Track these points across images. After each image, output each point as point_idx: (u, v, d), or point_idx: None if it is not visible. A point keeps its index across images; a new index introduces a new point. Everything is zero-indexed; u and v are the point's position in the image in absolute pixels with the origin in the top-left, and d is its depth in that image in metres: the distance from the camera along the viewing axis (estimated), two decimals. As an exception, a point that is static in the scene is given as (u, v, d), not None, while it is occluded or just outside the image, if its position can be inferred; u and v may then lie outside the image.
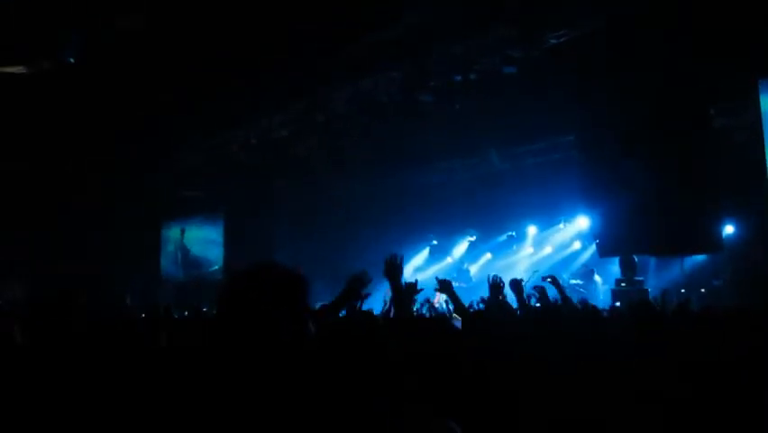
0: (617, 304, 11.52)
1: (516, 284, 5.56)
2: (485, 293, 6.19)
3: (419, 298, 6.13)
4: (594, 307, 6.15)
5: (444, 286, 5.44)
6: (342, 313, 4.17)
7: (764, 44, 10.15)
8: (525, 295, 5.65)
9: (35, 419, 2.85)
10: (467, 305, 7.02)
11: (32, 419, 2.85)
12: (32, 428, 2.83)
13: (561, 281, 6.23)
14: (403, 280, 4.18)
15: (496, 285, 5.44)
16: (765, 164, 11.01)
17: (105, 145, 16.14)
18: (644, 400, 3.26)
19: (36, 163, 16.11)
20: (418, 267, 18.72)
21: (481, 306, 6.42)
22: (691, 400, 3.28)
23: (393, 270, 4.08)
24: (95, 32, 11.99)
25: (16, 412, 2.86)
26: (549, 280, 5.87)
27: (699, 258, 12.73)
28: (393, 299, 4.21)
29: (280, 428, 1.77)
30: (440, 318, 5.15)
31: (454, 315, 6.33)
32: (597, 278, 14.70)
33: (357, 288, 3.97)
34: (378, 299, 7.88)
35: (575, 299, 9.20)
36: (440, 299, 15.38)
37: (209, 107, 14.82)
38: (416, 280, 4.81)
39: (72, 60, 12.27)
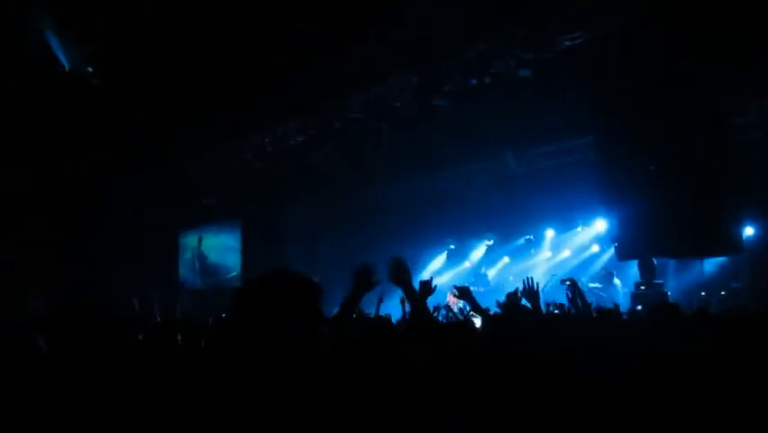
0: (639, 308, 11.44)
1: (532, 293, 5.49)
2: (503, 297, 6.16)
3: (435, 300, 6.07)
4: (614, 310, 6.12)
5: (463, 292, 5.39)
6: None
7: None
8: (541, 301, 5.61)
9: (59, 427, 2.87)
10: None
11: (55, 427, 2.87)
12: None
13: (579, 285, 6.18)
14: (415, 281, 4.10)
15: (532, 291, 5.37)
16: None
17: (122, 154, 16.26)
18: (665, 404, 3.23)
19: (56, 173, 16.24)
20: (436, 271, 18.69)
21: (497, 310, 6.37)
22: (712, 404, 3.24)
23: (399, 274, 4.01)
24: (110, 41, 12.11)
25: (39, 420, 2.88)
26: (568, 283, 5.82)
27: (719, 260, 12.62)
28: (411, 305, 4.17)
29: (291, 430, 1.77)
30: (459, 324, 5.15)
31: (472, 313, 6.28)
32: (616, 281, 14.60)
33: (366, 279, 3.89)
34: (395, 304, 7.86)
35: (594, 302, 9.16)
36: (457, 302, 15.38)
37: (225, 114, 14.89)
38: (431, 277, 4.77)
39: (91, 70, 12.40)
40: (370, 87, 13.70)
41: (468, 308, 6.89)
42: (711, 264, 12.77)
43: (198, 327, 5.09)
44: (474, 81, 12.51)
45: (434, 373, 3.12)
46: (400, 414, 2.13)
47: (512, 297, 5.67)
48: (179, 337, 4.23)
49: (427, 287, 4.58)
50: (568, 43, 11.31)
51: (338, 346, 2.44)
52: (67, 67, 12.14)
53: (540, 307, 5.41)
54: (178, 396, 2.15)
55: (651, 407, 3.23)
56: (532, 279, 5.38)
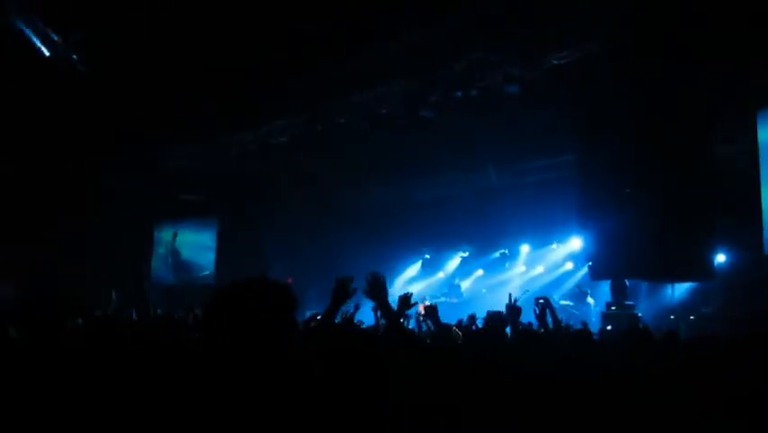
0: (609, 327, 11.55)
1: (514, 309, 5.54)
2: (475, 309, 6.21)
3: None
4: (585, 330, 6.17)
5: (429, 312, 5.40)
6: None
7: (764, 75, 10.23)
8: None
9: (31, 417, 2.84)
10: (456, 322, 7.04)
11: (27, 417, 2.84)
12: (29, 427, 2.82)
13: (552, 302, 6.22)
14: (390, 298, 4.16)
15: (515, 308, 5.43)
16: (760, 193, 11.08)
17: (99, 145, 16.11)
18: (633, 424, 3.27)
19: (29, 164, 16.05)
20: (410, 279, 18.74)
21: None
22: (680, 426, 3.28)
23: (375, 289, 4.06)
24: (93, 32, 12.02)
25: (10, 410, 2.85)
26: (541, 301, 5.85)
27: (690, 285, 12.77)
28: (384, 317, 4.20)
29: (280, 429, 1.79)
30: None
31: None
32: (590, 300, 14.72)
33: (343, 292, 3.99)
34: (369, 311, 7.87)
35: (565, 320, 9.23)
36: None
37: (210, 110, 14.82)
38: (411, 294, 4.81)
39: (75, 57, 12.30)
40: (356, 92, 13.70)
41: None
42: (682, 289, 12.91)
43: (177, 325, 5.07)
44: (460, 94, 12.57)
45: (412, 380, 3.14)
46: (383, 417, 2.15)
47: (495, 315, 5.70)
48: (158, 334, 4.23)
49: (406, 301, 4.63)
50: (555, 62, 11.42)
51: (320, 352, 2.46)
52: (47, 54, 12.02)
53: (517, 324, 5.44)
54: (159, 393, 2.14)
55: (618, 426, 3.27)
56: (512, 297, 5.47)
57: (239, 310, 1.96)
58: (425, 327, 9.66)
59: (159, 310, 8.93)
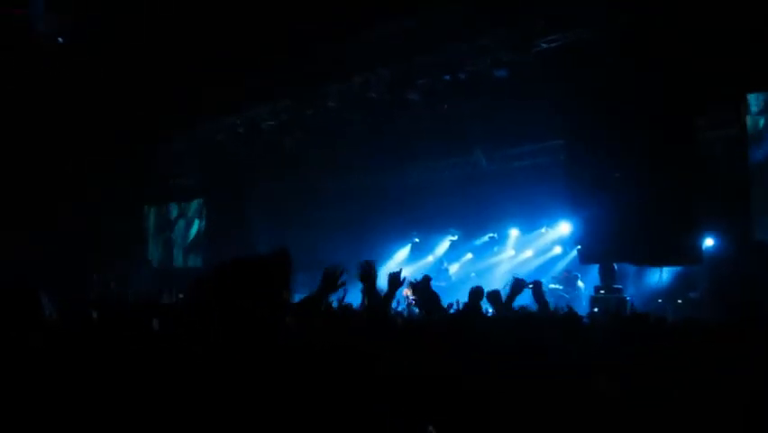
0: (596, 310, 11.62)
1: (494, 296, 5.58)
2: (464, 293, 6.22)
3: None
4: (572, 313, 6.18)
5: (418, 287, 5.41)
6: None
7: (753, 58, 10.24)
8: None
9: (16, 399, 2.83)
10: (446, 305, 7.05)
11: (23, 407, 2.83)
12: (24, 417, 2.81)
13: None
14: (378, 286, 4.20)
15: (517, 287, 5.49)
16: (748, 178, 11.13)
17: (90, 129, 16.02)
18: (622, 409, 3.28)
19: (20, 148, 15.93)
20: (399, 263, 18.74)
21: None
22: (670, 411, 3.30)
23: (368, 275, 4.11)
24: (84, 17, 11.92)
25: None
26: (531, 287, 5.84)
27: (678, 269, 12.82)
28: (367, 303, 4.24)
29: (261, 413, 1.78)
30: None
31: None
32: (580, 283, 14.76)
33: (333, 280, 4.00)
34: (357, 293, 7.85)
35: (554, 303, 9.26)
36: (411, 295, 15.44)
37: (198, 94, 14.75)
38: (400, 270, 4.83)
39: (61, 40, 12.19)
40: (344, 76, 13.66)
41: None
42: (670, 273, 12.97)
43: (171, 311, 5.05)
44: (448, 77, 12.54)
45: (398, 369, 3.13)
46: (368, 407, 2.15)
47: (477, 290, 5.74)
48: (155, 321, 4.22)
49: (395, 279, 4.65)
50: (544, 45, 11.40)
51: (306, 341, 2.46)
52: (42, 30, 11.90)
53: (510, 306, 5.47)
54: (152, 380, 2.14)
55: (607, 412, 3.28)
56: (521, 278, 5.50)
57: (225, 291, 1.94)
58: (416, 310, 9.68)
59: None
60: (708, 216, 11.30)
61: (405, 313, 9.44)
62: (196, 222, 20.45)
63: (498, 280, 14.67)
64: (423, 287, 5.37)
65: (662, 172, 10.74)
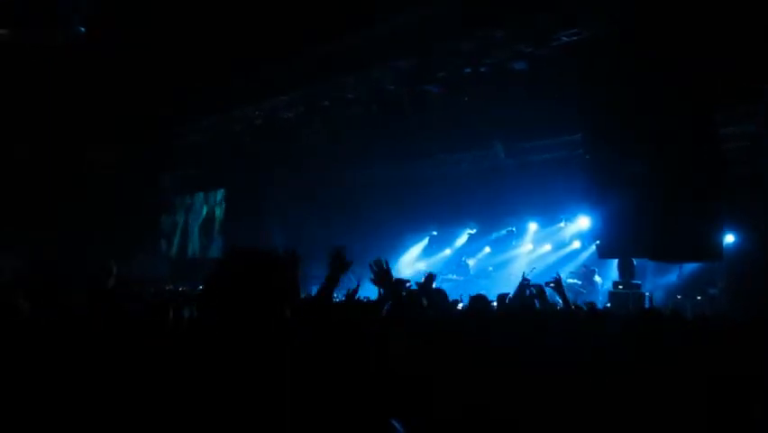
0: (608, 305, 11.58)
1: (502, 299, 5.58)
2: (482, 287, 6.21)
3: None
4: (593, 308, 6.16)
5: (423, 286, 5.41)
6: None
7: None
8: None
9: (39, 386, 2.87)
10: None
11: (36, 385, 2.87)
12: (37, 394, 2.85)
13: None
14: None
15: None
16: (769, 174, 11.03)
17: (108, 121, 16.13)
18: (641, 405, 3.27)
19: (38, 137, 16.08)
20: (417, 256, 18.75)
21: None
22: (681, 407, 3.28)
23: (381, 275, 4.10)
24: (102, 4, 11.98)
25: (21, 382, 2.88)
26: (552, 285, 5.77)
27: (697, 265, 12.73)
28: (391, 300, 4.23)
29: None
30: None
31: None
32: (597, 278, 14.69)
33: (340, 261, 3.98)
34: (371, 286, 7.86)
35: (572, 299, 9.22)
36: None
37: (217, 85, 14.81)
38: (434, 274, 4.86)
39: (83, 30, 12.25)
40: (363, 67, 13.63)
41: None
42: (689, 269, 12.88)
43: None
44: (469, 70, 12.50)
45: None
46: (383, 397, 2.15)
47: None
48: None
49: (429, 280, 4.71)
50: (565, 39, 11.33)
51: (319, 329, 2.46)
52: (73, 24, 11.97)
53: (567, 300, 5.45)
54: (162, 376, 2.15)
55: (627, 407, 3.27)
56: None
57: (241, 280, 1.95)
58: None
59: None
60: (728, 211, 11.19)
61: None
62: (214, 213, 20.54)
63: (515, 275, 14.63)
64: (427, 285, 5.36)
65: (682, 167, 10.64)
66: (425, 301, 5.02)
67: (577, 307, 6.89)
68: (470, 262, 17.87)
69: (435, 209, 17.56)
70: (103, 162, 17.81)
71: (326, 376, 2.04)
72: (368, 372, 2.38)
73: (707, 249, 10.96)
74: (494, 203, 16.43)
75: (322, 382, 1.99)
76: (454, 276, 16.84)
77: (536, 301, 5.64)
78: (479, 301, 5.51)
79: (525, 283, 5.79)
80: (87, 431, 2.72)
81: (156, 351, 3.09)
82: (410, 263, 18.46)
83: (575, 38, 11.24)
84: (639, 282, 12.45)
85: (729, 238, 11.95)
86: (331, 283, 3.90)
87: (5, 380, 2.88)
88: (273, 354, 1.87)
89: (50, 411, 2.78)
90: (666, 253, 11.61)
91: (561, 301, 5.67)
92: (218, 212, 20.46)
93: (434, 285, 5.53)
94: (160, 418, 1.90)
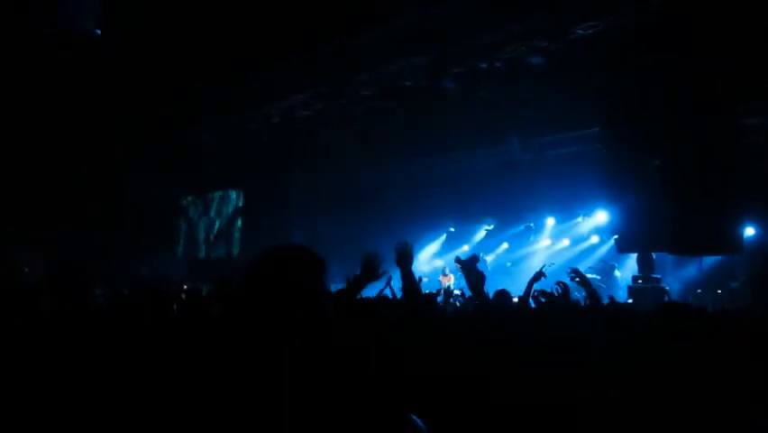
0: (630, 301, 11.50)
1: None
2: (500, 282, 6.17)
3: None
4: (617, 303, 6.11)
5: (467, 265, 5.31)
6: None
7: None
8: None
9: (63, 385, 2.89)
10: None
11: (59, 385, 2.89)
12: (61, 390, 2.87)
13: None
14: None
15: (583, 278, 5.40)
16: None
17: (128, 121, 16.24)
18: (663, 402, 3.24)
19: (61, 135, 16.21)
20: (435, 253, 18.74)
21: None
22: (699, 402, 3.26)
23: (404, 258, 4.05)
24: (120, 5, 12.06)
25: (44, 380, 2.90)
26: (577, 280, 5.69)
27: (717, 258, 12.62)
28: (403, 288, 4.19)
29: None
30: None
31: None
32: (617, 273, 14.61)
33: (373, 268, 3.92)
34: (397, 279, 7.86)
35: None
36: (447, 282, 15.38)
37: (235, 84, 14.86)
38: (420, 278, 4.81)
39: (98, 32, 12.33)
40: (380, 63, 13.62)
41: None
42: (709, 262, 12.78)
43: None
44: (485, 65, 12.46)
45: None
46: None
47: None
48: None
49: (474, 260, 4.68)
50: (581, 32, 11.27)
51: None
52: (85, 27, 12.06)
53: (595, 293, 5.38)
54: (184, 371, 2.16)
55: (650, 404, 3.25)
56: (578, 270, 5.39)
57: (265, 283, 1.95)
58: (454, 302, 9.63)
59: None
60: (748, 204, 11.09)
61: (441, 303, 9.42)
62: (233, 211, 20.61)
63: (533, 271, 14.57)
64: (470, 266, 5.28)
65: (702, 160, 10.56)
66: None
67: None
68: (488, 258, 17.82)
69: (452, 206, 17.51)
70: (120, 163, 17.93)
71: (326, 376, 2.04)
72: (367, 372, 2.37)
73: (727, 242, 10.87)
74: (511, 199, 16.36)
75: (322, 382, 1.98)
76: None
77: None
78: (501, 297, 5.48)
79: (537, 277, 5.71)
80: (86, 431, 2.75)
81: (164, 350, 3.11)
82: (428, 260, 18.44)
83: (591, 31, 11.17)
84: (659, 276, 12.37)
85: (749, 231, 11.85)
86: (355, 288, 3.86)
87: (21, 377, 2.90)
88: (273, 354, 1.87)
89: (65, 407, 2.81)
90: (686, 247, 11.52)
91: (584, 295, 5.60)
92: (237, 211, 20.54)
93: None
94: (160, 418, 1.91)
